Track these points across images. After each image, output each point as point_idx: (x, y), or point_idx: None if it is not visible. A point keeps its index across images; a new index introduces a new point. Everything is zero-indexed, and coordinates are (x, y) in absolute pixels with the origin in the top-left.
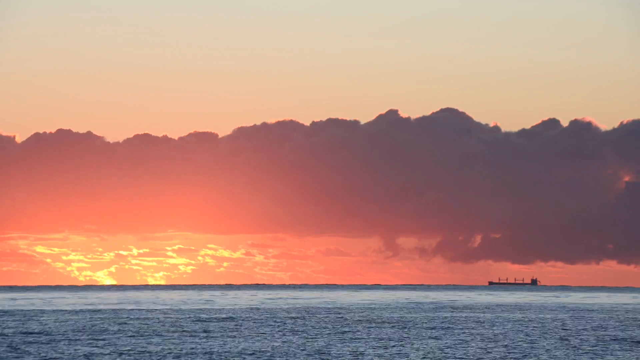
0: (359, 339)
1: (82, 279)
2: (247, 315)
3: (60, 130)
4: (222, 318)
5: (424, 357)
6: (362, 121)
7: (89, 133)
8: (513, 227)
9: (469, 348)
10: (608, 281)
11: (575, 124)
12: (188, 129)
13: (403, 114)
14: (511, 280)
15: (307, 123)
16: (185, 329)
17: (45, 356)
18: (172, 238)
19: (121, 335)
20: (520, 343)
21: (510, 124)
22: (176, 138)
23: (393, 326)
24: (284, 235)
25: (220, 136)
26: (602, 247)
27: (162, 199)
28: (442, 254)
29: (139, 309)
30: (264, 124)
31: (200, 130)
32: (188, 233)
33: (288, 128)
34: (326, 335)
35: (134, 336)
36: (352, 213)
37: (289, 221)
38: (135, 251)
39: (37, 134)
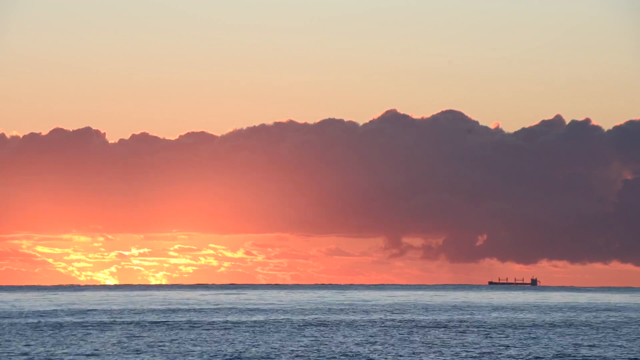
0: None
1: (82, 278)
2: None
3: (59, 130)
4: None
5: None
6: (364, 121)
7: (90, 133)
8: (516, 226)
9: None
10: (612, 281)
11: (576, 124)
12: (188, 129)
13: (405, 114)
14: (511, 280)
15: (309, 123)
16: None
17: None
18: (177, 238)
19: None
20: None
21: (512, 125)
22: (177, 138)
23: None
24: (286, 235)
25: (221, 136)
26: (607, 247)
27: (167, 199)
28: (446, 253)
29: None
30: (271, 124)
31: (202, 130)
32: (193, 233)
33: (289, 128)
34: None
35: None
36: (354, 213)
37: (291, 221)
38: (135, 251)
39: (33, 134)
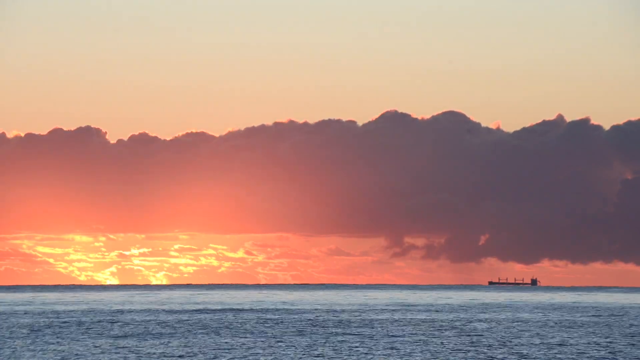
0: None
1: (82, 278)
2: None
3: (58, 130)
4: None
5: None
6: (364, 121)
7: (90, 132)
8: (516, 226)
9: None
10: (614, 281)
11: (576, 124)
12: (188, 129)
13: (405, 114)
14: (511, 280)
15: (309, 123)
16: None
17: None
18: (178, 238)
19: None
20: None
21: (512, 125)
22: (177, 138)
23: None
24: (286, 235)
25: (220, 136)
26: (608, 247)
27: (168, 199)
28: (447, 253)
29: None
30: (271, 124)
31: (201, 130)
32: (194, 233)
33: (289, 128)
34: None
35: None
36: (355, 213)
37: (292, 221)
38: (136, 251)
39: (33, 134)
